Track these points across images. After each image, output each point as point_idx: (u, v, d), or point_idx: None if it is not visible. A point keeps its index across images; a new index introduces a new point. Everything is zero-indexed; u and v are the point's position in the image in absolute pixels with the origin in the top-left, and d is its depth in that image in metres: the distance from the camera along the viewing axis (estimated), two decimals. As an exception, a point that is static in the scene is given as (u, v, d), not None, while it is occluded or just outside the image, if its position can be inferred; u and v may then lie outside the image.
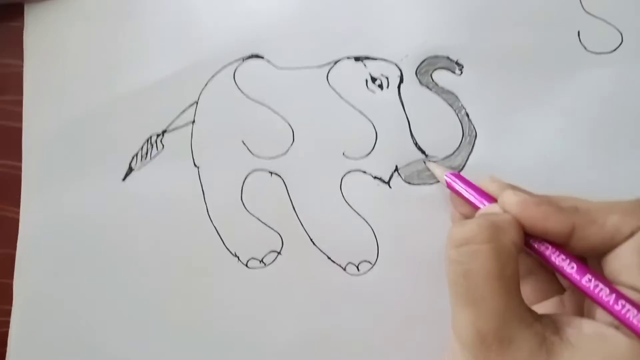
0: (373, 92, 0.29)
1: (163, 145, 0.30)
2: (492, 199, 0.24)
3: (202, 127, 0.29)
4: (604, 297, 0.20)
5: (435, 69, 0.29)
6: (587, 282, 0.21)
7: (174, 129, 0.30)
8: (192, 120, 0.30)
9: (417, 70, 0.29)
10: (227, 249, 0.29)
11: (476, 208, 0.25)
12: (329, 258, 0.29)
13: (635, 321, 0.19)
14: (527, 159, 0.29)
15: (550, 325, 0.21)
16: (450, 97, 0.29)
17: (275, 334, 0.29)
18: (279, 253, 0.29)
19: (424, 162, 0.29)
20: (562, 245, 0.22)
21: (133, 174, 0.30)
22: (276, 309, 0.29)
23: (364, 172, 0.29)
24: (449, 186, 0.26)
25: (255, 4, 0.30)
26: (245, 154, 0.29)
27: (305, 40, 0.29)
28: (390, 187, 0.29)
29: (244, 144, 0.29)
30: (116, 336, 0.29)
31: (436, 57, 0.29)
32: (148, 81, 0.30)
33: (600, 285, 0.20)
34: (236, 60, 0.29)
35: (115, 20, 0.30)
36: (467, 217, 0.26)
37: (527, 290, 0.25)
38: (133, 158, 0.30)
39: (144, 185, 0.30)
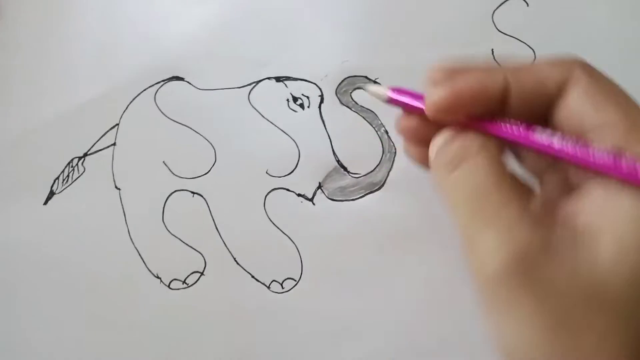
0: (295, 111, 0.30)
1: (84, 168, 0.29)
2: None
3: (123, 150, 0.29)
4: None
5: (355, 89, 0.30)
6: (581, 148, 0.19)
7: (95, 152, 0.30)
8: (114, 142, 0.30)
9: (337, 90, 0.30)
10: (149, 270, 0.29)
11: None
12: (253, 277, 0.29)
13: None
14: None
15: (569, 213, 0.19)
16: (369, 115, 0.30)
17: (199, 355, 0.28)
18: (202, 273, 0.29)
19: (362, 87, 0.27)
20: (502, 112, 0.20)
21: (55, 197, 0.29)
22: (200, 329, 0.29)
23: (288, 189, 0.30)
24: (393, 100, 0.23)
25: (177, 27, 0.30)
26: (167, 174, 0.29)
27: (226, 62, 0.30)
28: (313, 203, 0.30)
29: (166, 164, 0.29)
30: (40, 358, 0.29)
31: (355, 76, 0.30)
32: (70, 105, 0.30)
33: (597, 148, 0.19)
34: (157, 83, 0.30)
35: (36, 46, 0.30)
36: (417, 132, 0.23)
37: None
38: (55, 182, 0.29)
39: (65, 208, 0.29)
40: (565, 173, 0.21)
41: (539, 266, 0.18)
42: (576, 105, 0.19)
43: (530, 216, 0.18)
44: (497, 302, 0.19)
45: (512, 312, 0.18)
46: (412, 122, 0.23)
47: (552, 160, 0.21)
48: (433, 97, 0.21)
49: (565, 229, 0.18)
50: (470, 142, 0.20)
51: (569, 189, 0.20)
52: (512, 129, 0.20)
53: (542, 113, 0.20)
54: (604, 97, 0.19)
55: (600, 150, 0.18)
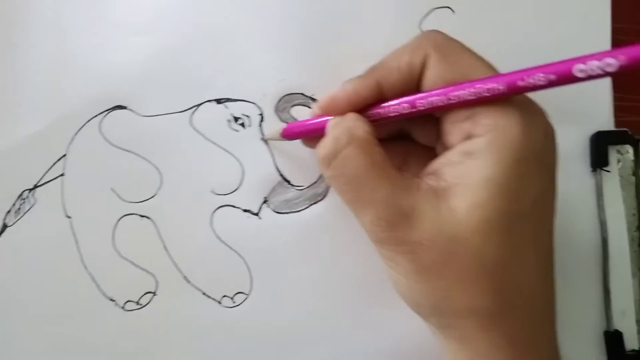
0: (236, 130, 0.31)
1: (35, 200, 0.30)
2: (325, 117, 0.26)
3: (71, 179, 0.30)
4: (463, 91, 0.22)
5: (293, 105, 0.31)
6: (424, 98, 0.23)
7: (44, 183, 0.31)
8: (62, 172, 0.31)
9: (276, 108, 0.31)
10: (103, 294, 0.30)
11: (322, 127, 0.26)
12: (204, 293, 0.30)
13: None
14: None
15: (433, 178, 0.23)
16: (309, 130, 0.31)
17: (157, 374, 0.30)
18: (154, 293, 0.30)
19: (264, 140, 0.31)
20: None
21: (8, 229, 0.30)
22: (156, 348, 0.30)
23: (234, 206, 0.31)
24: (288, 134, 0.28)
25: (117, 57, 0.31)
26: (116, 200, 0.30)
27: (166, 88, 0.31)
28: (260, 218, 0.31)
29: (114, 190, 0.30)
30: None
31: (292, 94, 0.31)
32: (17, 139, 0.31)
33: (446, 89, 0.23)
34: (101, 113, 0.31)
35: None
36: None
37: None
38: (6, 214, 0.30)
39: (19, 240, 0.30)
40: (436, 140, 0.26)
41: (407, 229, 0.22)
42: (431, 75, 0.23)
43: (399, 190, 0.23)
44: (385, 259, 0.24)
45: (393, 266, 0.24)
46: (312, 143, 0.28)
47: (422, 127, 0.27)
48: (317, 104, 0.26)
49: (429, 192, 0.23)
50: (338, 137, 0.24)
51: (438, 146, 0.25)
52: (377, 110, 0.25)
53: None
54: (448, 63, 0.23)
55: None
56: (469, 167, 0.22)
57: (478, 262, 0.22)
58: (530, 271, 0.23)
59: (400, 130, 0.28)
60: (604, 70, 0.19)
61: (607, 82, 0.32)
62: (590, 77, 0.20)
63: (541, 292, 0.23)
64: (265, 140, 0.31)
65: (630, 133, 0.32)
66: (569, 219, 0.31)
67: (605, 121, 0.32)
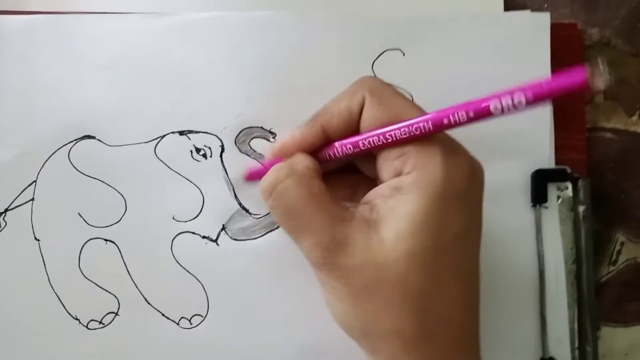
0: (198, 161, 0.33)
1: (5, 223, 0.32)
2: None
3: (41, 204, 0.32)
4: (385, 135, 0.25)
5: (252, 138, 0.33)
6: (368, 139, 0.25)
7: (15, 207, 0.32)
8: (32, 197, 0.32)
9: (236, 140, 0.33)
10: (68, 312, 0.32)
11: None
12: (163, 315, 0.32)
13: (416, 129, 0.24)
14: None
15: (367, 209, 0.25)
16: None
17: (116, 389, 0.31)
18: (116, 314, 0.32)
19: (230, 185, 0.33)
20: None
21: (-22, 251, 0.32)
22: (116, 365, 0.32)
23: (193, 232, 0.33)
24: (252, 178, 0.30)
25: (86, 90, 0.33)
26: (82, 224, 0.32)
27: (132, 120, 0.33)
28: (218, 244, 0.33)
29: (80, 215, 0.32)
30: None
31: (251, 127, 0.33)
32: (-11, 165, 0.33)
33: (373, 132, 0.25)
34: (70, 142, 0.33)
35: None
36: None
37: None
38: (-22, 236, 0.32)
39: (-11, 260, 0.32)
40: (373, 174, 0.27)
41: (340, 256, 0.24)
42: (367, 117, 0.25)
43: (334, 219, 0.25)
44: (322, 284, 0.26)
45: (329, 290, 0.25)
46: None
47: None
48: (271, 150, 0.28)
49: (362, 222, 0.25)
50: (279, 171, 0.26)
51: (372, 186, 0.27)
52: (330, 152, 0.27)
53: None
54: (382, 105, 0.25)
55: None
56: (397, 201, 0.24)
57: (402, 289, 0.24)
58: (451, 299, 0.25)
59: (349, 163, 0.30)
60: (515, 106, 0.22)
61: (547, 121, 0.34)
62: (503, 112, 0.22)
63: (463, 320, 0.25)
64: (225, 170, 0.33)
65: (569, 171, 0.34)
66: (509, 250, 0.33)
67: (546, 158, 0.34)
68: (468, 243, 0.26)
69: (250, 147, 0.33)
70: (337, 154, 0.27)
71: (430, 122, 0.24)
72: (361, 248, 0.24)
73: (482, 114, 0.23)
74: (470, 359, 0.26)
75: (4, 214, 0.32)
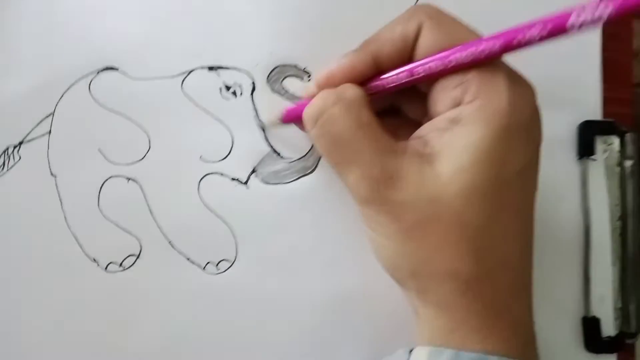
0: (227, 99, 0.31)
1: (20, 156, 0.30)
2: None
3: (58, 137, 0.30)
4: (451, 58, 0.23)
5: (286, 77, 0.31)
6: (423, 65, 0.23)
7: (30, 140, 0.30)
8: (49, 130, 0.30)
9: (268, 78, 0.31)
10: (86, 254, 0.30)
11: None
12: (188, 259, 0.30)
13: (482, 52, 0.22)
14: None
15: (420, 142, 0.24)
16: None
17: (137, 336, 0.30)
18: (137, 257, 0.30)
19: (262, 128, 0.31)
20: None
21: (-9, 185, 0.30)
22: (137, 311, 0.30)
23: (222, 174, 0.31)
24: (288, 120, 0.29)
25: (111, 19, 0.31)
26: (102, 161, 0.30)
27: (158, 52, 0.31)
28: (247, 187, 0.31)
29: (101, 151, 0.30)
30: None
31: (285, 65, 0.31)
32: (5, 95, 0.30)
33: (433, 57, 0.23)
34: (91, 73, 0.30)
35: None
36: None
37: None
38: (-10, 169, 0.30)
39: (2, 195, 0.30)
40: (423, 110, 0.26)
41: (390, 190, 0.23)
42: (424, 44, 0.24)
43: (385, 151, 0.23)
44: (367, 221, 0.24)
45: (376, 227, 0.24)
46: None
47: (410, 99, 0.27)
48: (314, 81, 0.26)
49: (415, 156, 0.23)
50: (326, 97, 0.24)
51: (425, 120, 0.25)
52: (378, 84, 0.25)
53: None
54: (441, 31, 0.23)
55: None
56: (455, 134, 0.23)
57: (459, 226, 0.22)
58: (510, 239, 0.23)
59: (392, 105, 0.28)
60: (594, 21, 0.20)
61: (596, 71, 0.32)
62: (581, 28, 0.20)
63: (520, 262, 0.24)
64: (256, 111, 0.31)
65: (617, 124, 0.33)
66: (553, 204, 0.32)
67: (593, 111, 0.32)
68: (528, 180, 0.24)
69: (283, 87, 0.31)
70: (389, 84, 0.25)
71: (499, 43, 0.22)
72: (414, 182, 0.23)
73: (558, 30, 0.21)
74: (523, 303, 0.24)
75: (18, 147, 0.30)
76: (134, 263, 0.30)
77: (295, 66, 0.31)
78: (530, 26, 0.21)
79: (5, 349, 0.30)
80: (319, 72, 0.26)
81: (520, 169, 0.23)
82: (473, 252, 0.22)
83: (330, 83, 0.25)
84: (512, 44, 0.22)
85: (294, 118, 0.28)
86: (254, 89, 0.31)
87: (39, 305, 0.30)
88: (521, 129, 0.23)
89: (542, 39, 0.21)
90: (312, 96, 0.26)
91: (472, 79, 0.23)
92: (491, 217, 0.22)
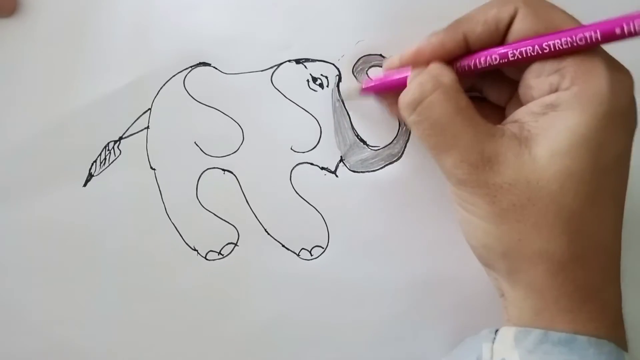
0: (315, 90, 0.32)
1: (120, 151, 0.31)
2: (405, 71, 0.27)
3: (156, 132, 0.31)
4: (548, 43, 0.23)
5: (371, 67, 0.32)
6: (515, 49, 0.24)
7: (129, 135, 0.31)
8: (147, 126, 0.31)
9: (354, 69, 0.32)
10: (187, 244, 0.31)
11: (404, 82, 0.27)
12: (283, 245, 0.31)
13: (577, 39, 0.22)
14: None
15: (516, 126, 0.24)
16: (385, 91, 0.32)
17: (237, 321, 0.31)
18: (235, 244, 0.31)
19: (341, 100, 0.31)
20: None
21: (93, 179, 0.31)
22: (237, 296, 0.31)
23: (312, 164, 0.31)
24: (369, 90, 0.30)
25: (202, 15, 0.32)
26: (199, 154, 0.31)
27: (248, 48, 0.31)
28: (337, 176, 0.32)
29: (197, 145, 0.31)
30: (87, 333, 0.31)
31: (370, 55, 0.32)
32: (104, 92, 0.31)
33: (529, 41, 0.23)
34: (185, 69, 0.31)
35: (71, 35, 0.31)
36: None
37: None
38: (92, 164, 0.31)
39: (104, 189, 0.31)
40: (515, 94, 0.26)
41: (488, 173, 0.23)
42: (519, 28, 0.24)
43: (482, 135, 0.24)
44: (462, 203, 0.25)
45: (471, 209, 0.24)
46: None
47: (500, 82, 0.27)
48: (398, 56, 0.27)
49: (512, 139, 0.24)
50: (424, 84, 0.25)
51: (518, 105, 0.26)
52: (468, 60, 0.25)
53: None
54: (538, 17, 0.24)
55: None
56: (553, 119, 0.23)
57: (555, 209, 0.23)
58: (604, 224, 0.24)
59: (471, 88, 0.29)
60: None
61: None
62: None
63: (612, 246, 0.24)
64: (342, 100, 0.32)
65: None
66: None
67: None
68: (623, 167, 0.24)
69: (368, 76, 0.32)
70: (479, 64, 0.25)
71: (599, 32, 0.22)
72: (512, 165, 0.23)
73: None
74: (613, 286, 0.25)
75: (118, 142, 0.31)
76: (232, 250, 0.31)
77: (381, 55, 0.32)
78: (633, 17, 0.21)
79: (112, 338, 0.31)
80: (406, 49, 0.26)
81: (619, 155, 0.23)
82: (567, 234, 0.23)
83: (418, 59, 0.26)
84: (613, 34, 0.22)
85: (375, 88, 0.29)
86: (339, 80, 0.32)
87: (144, 293, 0.31)
88: (619, 116, 0.23)
89: None
90: (394, 69, 0.27)
91: (569, 65, 0.23)
92: (587, 202, 0.23)
